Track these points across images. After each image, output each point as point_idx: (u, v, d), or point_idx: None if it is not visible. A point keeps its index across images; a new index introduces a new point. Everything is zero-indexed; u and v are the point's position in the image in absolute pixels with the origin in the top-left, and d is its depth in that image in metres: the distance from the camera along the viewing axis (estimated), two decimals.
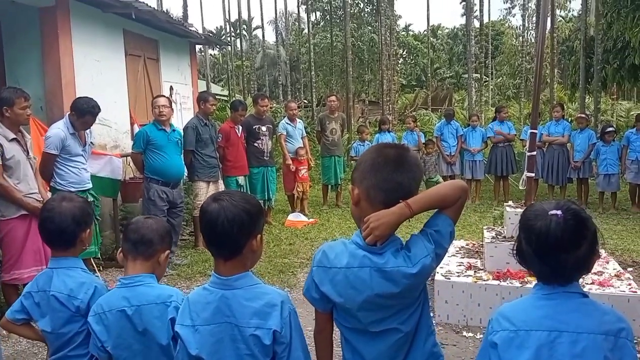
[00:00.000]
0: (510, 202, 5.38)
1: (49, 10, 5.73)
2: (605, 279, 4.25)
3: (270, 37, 49.97)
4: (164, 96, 6.04)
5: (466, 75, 17.62)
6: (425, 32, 31.10)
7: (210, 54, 36.66)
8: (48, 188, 4.67)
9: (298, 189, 8.26)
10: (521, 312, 1.47)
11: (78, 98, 4.89)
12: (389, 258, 1.58)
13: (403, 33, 36.54)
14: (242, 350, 1.59)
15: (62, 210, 2.10)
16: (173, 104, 8.35)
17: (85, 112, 4.73)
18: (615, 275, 4.35)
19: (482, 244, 5.03)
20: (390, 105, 18.08)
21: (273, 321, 1.58)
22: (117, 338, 1.89)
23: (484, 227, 5.24)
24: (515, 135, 9.36)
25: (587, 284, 4.14)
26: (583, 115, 9.35)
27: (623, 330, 1.40)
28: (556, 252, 1.42)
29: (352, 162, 10.27)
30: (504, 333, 1.45)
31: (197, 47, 10.55)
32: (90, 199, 4.94)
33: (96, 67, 6.39)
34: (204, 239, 1.69)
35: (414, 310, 1.63)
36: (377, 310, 1.60)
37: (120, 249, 2.03)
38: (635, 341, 3.75)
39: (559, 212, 1.43)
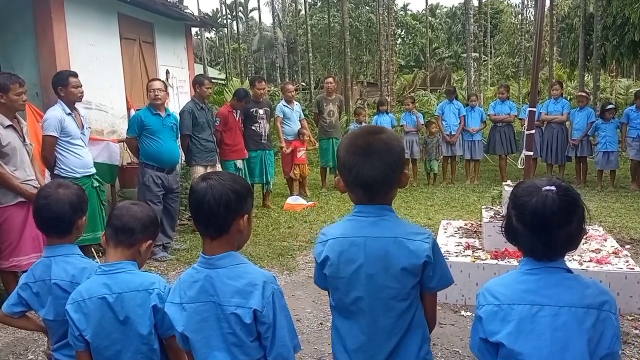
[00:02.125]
0: (508, 182, 5.38)
1: None
2: (603, 256, 4.26)
3: (267, 19, 49.43)
4: (159, 79, 5.99)
5: (465, 55, 17.49)
6: (424, 12, 30.81)
7: (207, 37, 36.36)
8: (44, 175, 4.66)
9: (295, 172, 8.26)
10: (505, 286, 1.50)
11: (55, 74, 4.87)
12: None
13: (401, 13, 36.20)
14: (225, 329, 1.61)
15: (60, 197, 2.07)
16: (169, 88, 8.32)
17: (65, 78, 4.71)
18: (613, 253, 4.37)
19: (480, 224, 5.04)
20: (389, 87, 17.95)
21: (254, 300, 1.58)
22: (97, 327, 1.85)
23: (482, 207, 5.24)
24: (516, 115, 9.32)
25: (585, 261, 4.16)
26: (583, 94, 9.30)
27: (606, 303, 1.42)
28: (550, 228, 1.43)
29: None
30: (489, 307, 1.48)
31: (193, 30, 10.45)
32: (96, 184, 4.95)
33: (91, 52, 6.34)
34: (192, 217, 1.70)
35: (406, 306, 1.63)
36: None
37: (104, 233, 2.00)
38: (631, 317, 3.80)
39: (552, 187, 1.44)
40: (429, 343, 1.70)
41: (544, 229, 1.43)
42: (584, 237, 1.51)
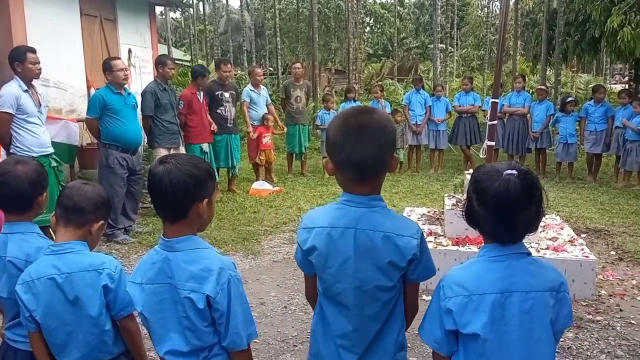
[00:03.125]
0: (470, 170, 5.46)
1: None
2: (559, 244, 4.40)
3: (235, 2, 48.61)
4: (119, 58, 5.82)
5: (432, 46, 17.65)
6: (393, 1, 30.89)
7: (172, 17, 35.50)
8: (0, 154, 4.49)
9: (260, 157, 8.19)
10: (473, 276, 1.50)
11: (11, 50, 4.70)
12: None
13: (370, 1, 36.16)
14: (180, 312, 1.59)
15: (18, 174, 2.01)
16: (132, 68, 8.10)
17: (22, 53, 4.55)
18: (569, 241, 4.51)
19: (442, 211, 5.12)
20: (357, 75, 17.96)
21: (207, 286, 1.55)
22: (46, 307, 1.82)
23: (445, 195, 5.32)
24: (479, 106, 9.48)
25: (542, 249, 4.29)
26: (543, 87, 9.54)
27: (562, 284, 1.51)
28: (513, 212, 1.45)
29: (317, 130, 10.23)
30: (458, 299, 1.48)
31: (158, 9, 10.19)
32: (54, 164, 4.80)
33: (49, 27, 6.10)
34: (151, 201, 1.66)
35: (391, 296, 1.62)
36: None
37: (53, 213, 1.94)
38: (585, 303, 3.93)
39: (514, 171, 1.45)
40: (404, 328, 1.70)
41: (506, 213, 1.45)
42: (542, 219, 1.54)
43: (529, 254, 1.52)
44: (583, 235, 5.37)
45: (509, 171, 1.45)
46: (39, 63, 4.63)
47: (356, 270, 1.58)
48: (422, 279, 1.65)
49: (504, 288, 1.46)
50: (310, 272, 1.72)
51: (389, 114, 9.57)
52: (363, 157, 1.52)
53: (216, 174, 7.31)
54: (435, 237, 4.58)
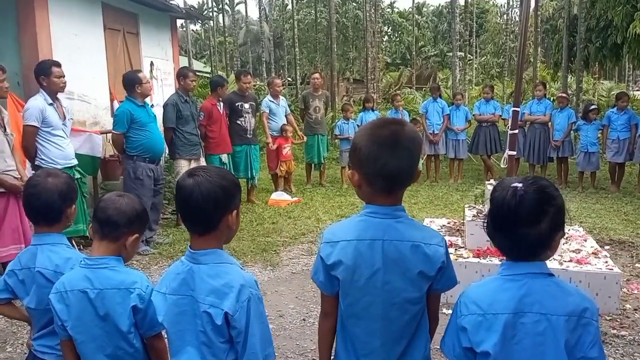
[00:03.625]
0: (491, 181, 5.42)
1: None
2: (582, 256, 4.33)
3: (254, 13, 49.18)
4: (141, 71, 5.96)
5: (450, 54, 17.57)
6: (410, 10, 30.88)
7: (192, 30, 36.05)
8: (25, 166, 4.59)
9: (281, 168, 8.23)
10: (488, 295, 1.47)
11: (37, 64, 4.80)
12: None
13: (388, 10, 36.21)
14: (198, 326, 1.59)
15: (48, 186, 2.06)
16: (154, 80, 8.23)
17: (48, 67, 4.64)
18: (593, 253, 4.43)
19: (463, 222, 5.08)
20: (375, 84, 18.00)
21: (227, 302, 1.54)
22: (77, 320, 1.83)
23: (465, 206, 5.28)
24: (500, 115, 9.39)
25: (565, 261, 4.22)
26: (564, 95, 9.41)
27: (587, 310, 1.41)
28: (511, 225, 1.43)
29: (336, 140, 10.24)
30: (472, 317, 1.46)
31: (179, 22, 10.35)
32: (77, 175, 4.89)
33: (74, 42, 6.24)
34: (179, 214, 1.68)
35: (419, 308, 1.61)
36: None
37: (90, 225, 1.97)
38: (609, 317, 3.85)
39: (520, 184, 1.44)
40: (429, 342, 1.69)
41: (508, 226, 1.44)
42: (561, 239, 1.48)
43: (551, 274, 1.47)
44: (607, 247, 5.27)
45: (515, 184, 1.44)
46: (64, 77, 4.73)
47: (385, 282, 1.56)
48: (446, 288, 1.64)
49: (518, 308, 1.42)
50: (332, 293, 1.66)
51: None
52: (398, 167, 1.53)
53: None
54: (456, 249, 4.53)
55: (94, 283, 1.84)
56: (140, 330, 1.88)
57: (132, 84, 5.42)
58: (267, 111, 8.12)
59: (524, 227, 1.42)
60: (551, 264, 4.04)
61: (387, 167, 1.52)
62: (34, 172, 4.34)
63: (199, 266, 1.61)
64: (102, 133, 6.16)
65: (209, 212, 1.59)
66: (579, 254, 4.40)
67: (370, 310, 1.59)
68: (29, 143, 4.57)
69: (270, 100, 8.19)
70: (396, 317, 1.59)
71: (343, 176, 8.85)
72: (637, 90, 26.65)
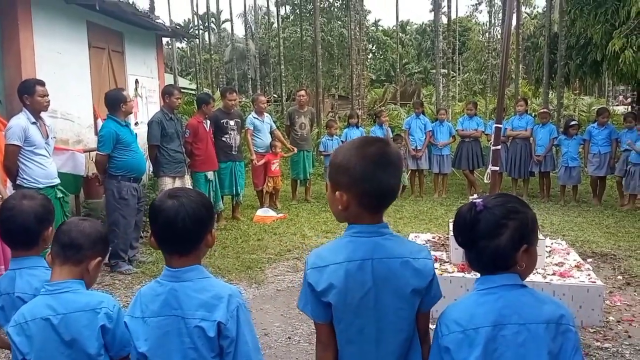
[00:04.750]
0: (475, 195, 5.47)
1: (8, 1, 5.55)
2: (565, 269, 4.37)
3: (240, 31, 49.44)
4: (124, 89, 5.96)
5: (434, 71, 17.80)
6: (395, 28, 31.29)
7: (178, 47, 36.11)
8: (5, 185, 4.53)
9: (269, 184, 8.23)
10: (466, 311, 1.48)
11: (21, 82, 4.78)
12: None
13: (372, 28, 36.69)
14: (186, 344, 1.58)
15: (24, 209, 2.02)
16: (138, 98, 8.23)
17: (32, 86, 4.62)
18: (576, 266, 4.48)
19: (447, 237, 5.11)
20: (360, 100, 18.13)
21: (218, 313, 1.55)
22: (40, 350, 1.74)
23: (450, 220, 5.31)
24: (483, 131, 9.52)
25: (549, 274, 4.26)
26: (546, 110, 9.58)
27: (563, 316, 1.43)
28: (468, 238, 1.48)
29: (321, 156, 10.28)
30: (453, 335, 1.46)
31: (165, 39, 10.38)
32: (59, 194, 4.84)
33: (58, 60, 6.23)
34: (154, 236, 1.64)
35: (413, 326, 1.60)
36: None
37: (49, 252, 1.89)
38: (593, 330, 3.88)
39: (480, 200, 1.48)
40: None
41: (462, 238, 1.50)
42: (529, 253, 1.48)
43: (523, 285, 1.49)
44: (589, 260, 5.33)
45: (477, 200, 1.49)
46: (48, 95, 4.71)
47: (377, 301, 1.54)
48: (433, 303, 1.63)
49: (496, 321, 1.43)
50: (325, 320, 1.58)
51: (391, 138, 9.64)
52: (391, 185, 1.54)
53: (221, 201, 7.36)
54: (441, 264, 4.56)
55: (57, 309, 1.76)
56: (110, 352, 1.81)
57: (116, 102, 5.38)
58: (252, 128, 8.14)
59: (482, 241, 1.45)
60: (534, 277, 4.07)
61: (382, 185, 1.52)
62: (14, 191, 4.30)
63: (182, 284, 1.60)
64: (85, 151, 6.13)
65: (194, 232, 1.61)
66: (562, 267, 4.45)
67: (364, 332, 1.56)
68: (11, 162, 4.53)
69: (254, 117, 8.22)
70: (391, 335, 1.57)
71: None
72: (617, 105, 27.18)
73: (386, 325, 1.56)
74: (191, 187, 6.52)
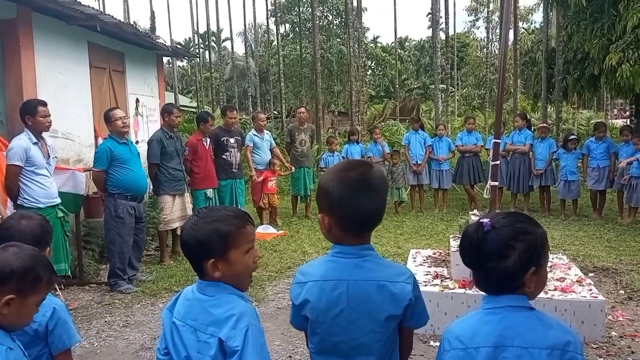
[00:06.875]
0: (475, 211, 5.47)
1: (10, 23, 5.61)
2: (567, 284, 4.35)
3: (240, 49, 49.86)
4: (117, 108, 5.99)
5: (433, 86, 17.92)
6: (393, 44, 31.54)
7: (179, 66, 36.37)
8: (6, 205, 4.54)
9: (264, 201, 8.24)
10: (469, 329, 1.47)
11: (23, 103, 4.83)
12: None
13: (371, 45, 36.95)
14: (196, 353, 1.58)
15: (22, 229, 2.03)
16: (139, 117, 8.27)
17: (34, 107, 4.65)
18: (577, 281, 4.45)
19: (448, 253, 5.10)
20: (360, 116, 18.18)
21: (223, 331, 1.52)
22: None
23: (450, 236, 5.30)
24: (482, 146, 9.56)
25: (550, 290, 4.23)
26: (545, 125, 9.64)
27: (570, 343, 1.39)
28: (475, 259, 1.46)
29: (321, 172, 10.30)
30: (454, 352, 1.46)
31: (165, 58, 10.46)
32: (60, 214, 4.85)
33: (59, 80, 6.27)
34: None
35: (388, 346, 1.61)
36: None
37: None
38: (595, 345, 3.85)
39: (487, 220, 1.45)
40: None
41: (469, 259, 1.48)
42: (539, 275, 1.45)
43: (531, 308, 1.46)
44: (591, 275, 5.31)
45: (484, 220, 1.46)
46: (50, 116, 4.75)
47: (350, 322, 1.58)
48: (417, 326, 1.66)
49: (498, 342, 1.41)
50: (304, 328, 1.71)
51: (389, 154, 9.67)
52: (370, 210, 1.56)
53: None
54: (442, 280, 4.54)
55: None
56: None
57: (106, 121, 5.53)
58: (251, 145, 8.19)
59: (489, 262, 1.42)
60: None
61: (360, 210, 1.54)
62: (15, 211, 4.31)
63: (202, 297, 1.61)
64: (85, 170, 6.14)
65: (194, 254, 1.62)
66: (563, 282, 4.42)
67: (337, 348, 1.60)
68: (12, 183, 4.54)
69: (254, 134, 8.27)
70: (363, 355, 1.59)
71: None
72: (615, 118, 27.27)
73: (359, 345, 1.59)
74: (191, 205, 6.56)
